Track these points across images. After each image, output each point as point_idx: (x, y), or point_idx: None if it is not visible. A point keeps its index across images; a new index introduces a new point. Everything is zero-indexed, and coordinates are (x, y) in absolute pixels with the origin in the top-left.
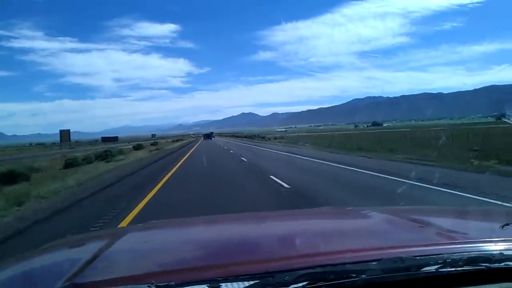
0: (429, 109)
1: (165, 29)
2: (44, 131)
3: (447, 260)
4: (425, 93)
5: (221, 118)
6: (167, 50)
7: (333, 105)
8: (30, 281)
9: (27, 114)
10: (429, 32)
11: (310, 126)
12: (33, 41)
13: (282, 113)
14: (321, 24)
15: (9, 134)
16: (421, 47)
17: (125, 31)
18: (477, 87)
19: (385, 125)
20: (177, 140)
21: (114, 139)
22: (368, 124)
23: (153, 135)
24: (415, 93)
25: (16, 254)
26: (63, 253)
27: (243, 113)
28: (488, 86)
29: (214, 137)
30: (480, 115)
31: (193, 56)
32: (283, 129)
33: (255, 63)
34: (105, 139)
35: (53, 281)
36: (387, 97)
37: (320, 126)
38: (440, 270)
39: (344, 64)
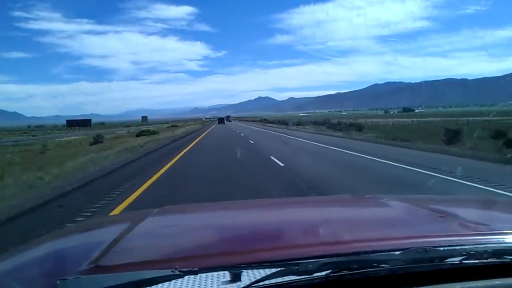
0: (454, 95)
1: (181, 12)
2: (63, 113)
3: (471, 252)
4: (449, 78)
5: (237, 102)
6: (184, 33)
7: (352, 90)
8: (54, 263)
9: (45, 96)
10: (451, 16)
11: (330, 111)
12: (50, 22)
13: (299, 98)
14: (340, 7)
15: (28, 116)
16: (442, 31)
17: (142, 13)
18: (504, 73)
19: (417, 111)
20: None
21: (85, 123)
22: (399, 110)
23: (144, 118)
24: (437, 79)
25: (40, 236)
26: (85, 235)
27: (259, 97)
28: None
29: (230, 121)
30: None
31: (210, 39)
32: (305, 114)
33: (272, 46)
34: (71, 123)
35: (77, 263)
36: (408, 82)
37: (342, 111)
38: (464, 261)
39: (363, 49)
